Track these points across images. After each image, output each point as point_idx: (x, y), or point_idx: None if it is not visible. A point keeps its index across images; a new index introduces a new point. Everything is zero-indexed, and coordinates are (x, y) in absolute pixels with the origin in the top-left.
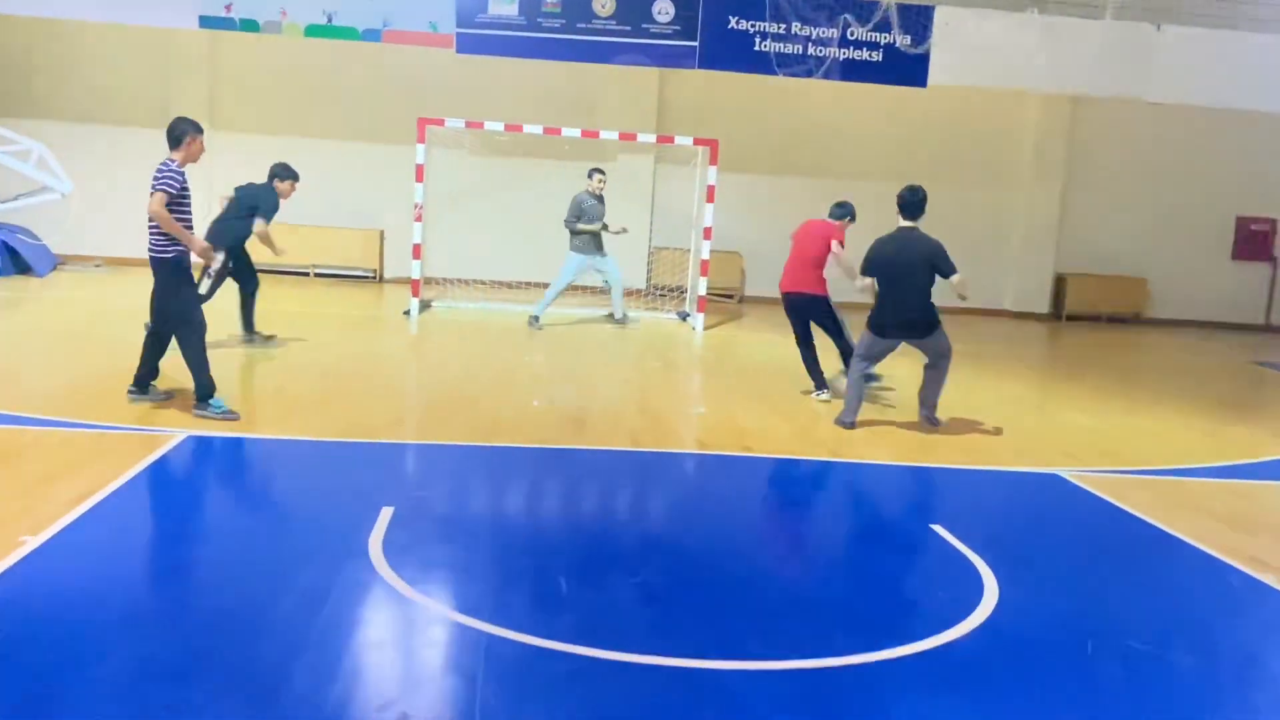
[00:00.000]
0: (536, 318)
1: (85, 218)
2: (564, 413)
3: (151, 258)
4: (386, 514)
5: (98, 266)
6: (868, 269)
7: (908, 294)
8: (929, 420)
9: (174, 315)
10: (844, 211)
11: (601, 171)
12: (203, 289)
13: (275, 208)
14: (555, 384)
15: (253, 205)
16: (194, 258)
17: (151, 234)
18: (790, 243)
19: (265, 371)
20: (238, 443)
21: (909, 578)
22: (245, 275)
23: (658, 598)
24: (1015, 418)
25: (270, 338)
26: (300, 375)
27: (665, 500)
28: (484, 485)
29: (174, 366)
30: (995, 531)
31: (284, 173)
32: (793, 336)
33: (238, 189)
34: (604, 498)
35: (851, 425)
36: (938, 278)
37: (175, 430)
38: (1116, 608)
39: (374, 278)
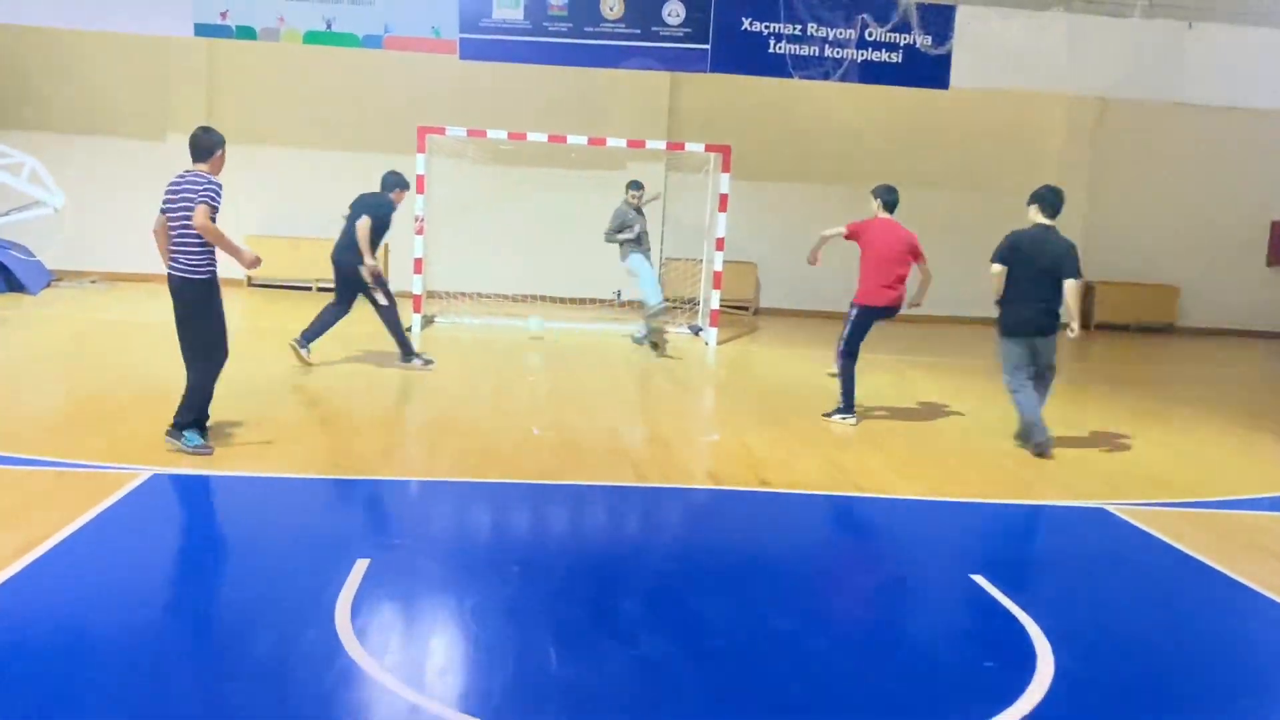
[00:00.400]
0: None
1: (82, 232)
2: (564, 441)
3: (179, 278)
4: (361, 567)
5: (93, 282)
6: (1003, 259)
7: (1047, 291)
8: (1046, 445)
9: (202, 337)
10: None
11: (640, 185)
12: (382, 300)
13: (388, 218)
14: (557, 407)
15: (366, 212)
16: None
17: (184, 252)
18: (847, 243)
19: (250, 397)
20: (207, 482)
21: (949, 644)
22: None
23: (658, 673)
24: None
25: (310, 364)
26: (286, 401)
27: (669, 550)
28: (469, 532)
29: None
30: (1041, 581)
31: (400, 181)
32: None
33: (355, 203)
34: (602, 546)
35: (1048, 446)
36: None
37: (141, 468)
38: (1188, 678)
39: None
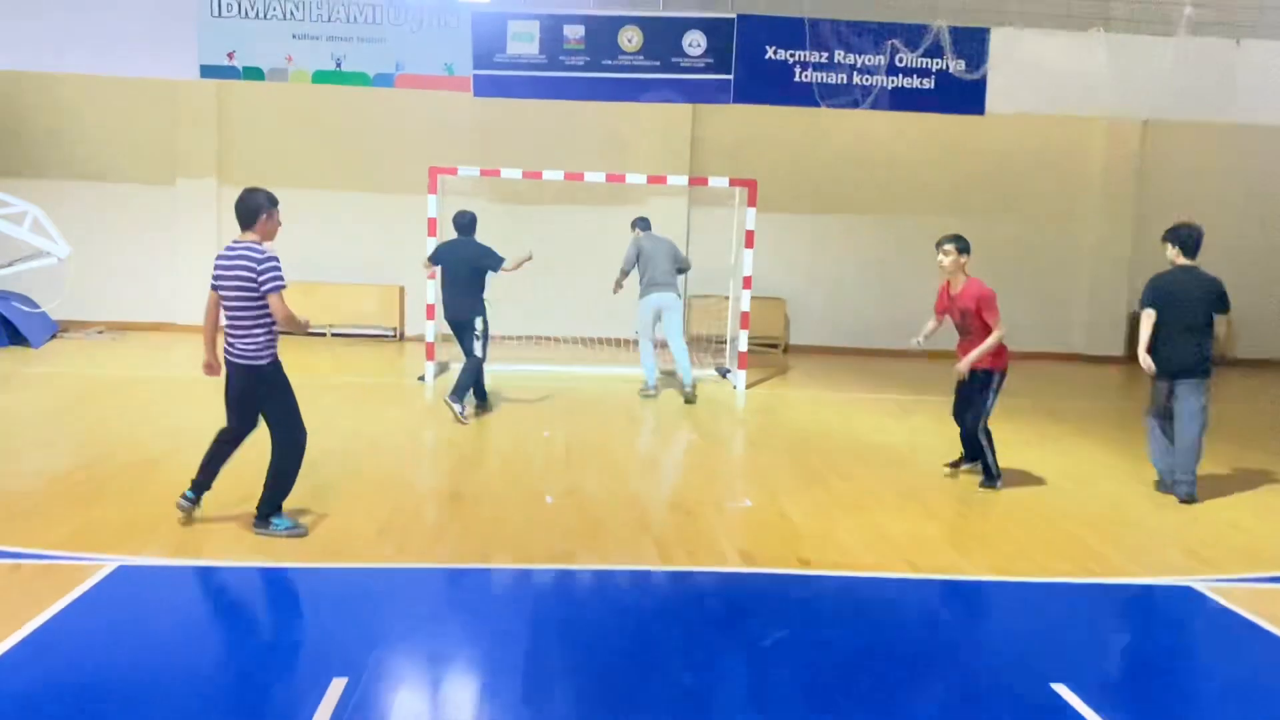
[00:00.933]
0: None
1: (88, 281)
2: (580, 510)
3: (242, 366)
4: (336, 689)
5: (100, 333)
6: (1154, 304)
7: (1193, 332)
8: (1187, 498)
9: (281, 422)
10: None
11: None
12: (478, 351)
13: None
14: (572, 468)
15: (483, 262)
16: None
17: (242, 337)
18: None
19: (238, 469)
20: (179, 574)
21: None
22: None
23: None
24: (1117, 499)
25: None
26: None
27: (695, 658)
28: (466, 639)
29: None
30: (1135, 688)
31: (475, 221)
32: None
33: (457, 254)
34: (620, 656)
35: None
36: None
37: (106, 558)
38: None
39: (395, 336)
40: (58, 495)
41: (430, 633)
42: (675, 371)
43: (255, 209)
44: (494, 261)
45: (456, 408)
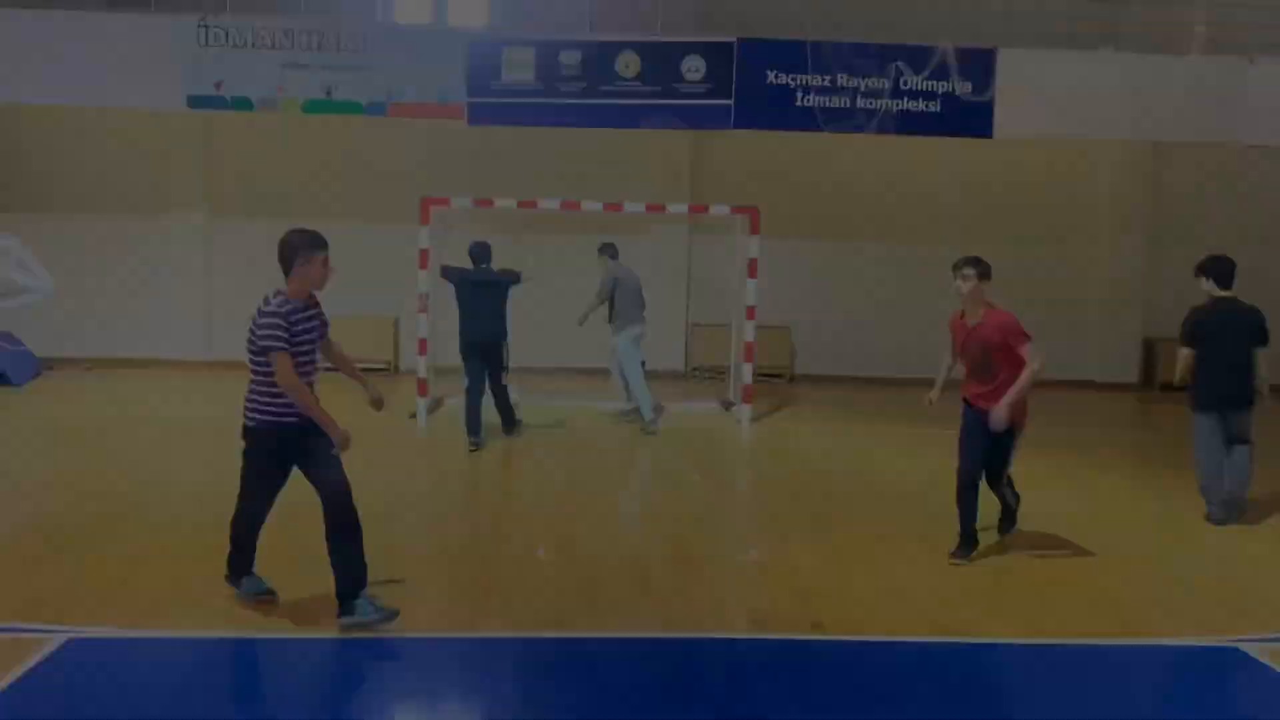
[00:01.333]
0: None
1: (75, 316)
2: (574, 567)
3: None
4: None
5: (87, 369)
6: (1189, 340)
7: (1237, 363)
8: (1220, 521)
9: (241, 485)
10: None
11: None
12: (504, 379)
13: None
14: (566, 516)
15: (506, 279)
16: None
17: (247, 393)
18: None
19: (208, 525)
20: (134, 648)
21: None
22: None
23: None
24: (1147, 543)
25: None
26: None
27: None
28: None
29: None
30: None
31: (489, 250)
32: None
33: (455, 278)
34: None
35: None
36: None
37: (55, 629)
38: None
39: (389, 370)
40: (10, 554)
41: (407, 715)
42: (630, 403)
43: (287, 254)
44: (515, 275)
45: (515, 434)
